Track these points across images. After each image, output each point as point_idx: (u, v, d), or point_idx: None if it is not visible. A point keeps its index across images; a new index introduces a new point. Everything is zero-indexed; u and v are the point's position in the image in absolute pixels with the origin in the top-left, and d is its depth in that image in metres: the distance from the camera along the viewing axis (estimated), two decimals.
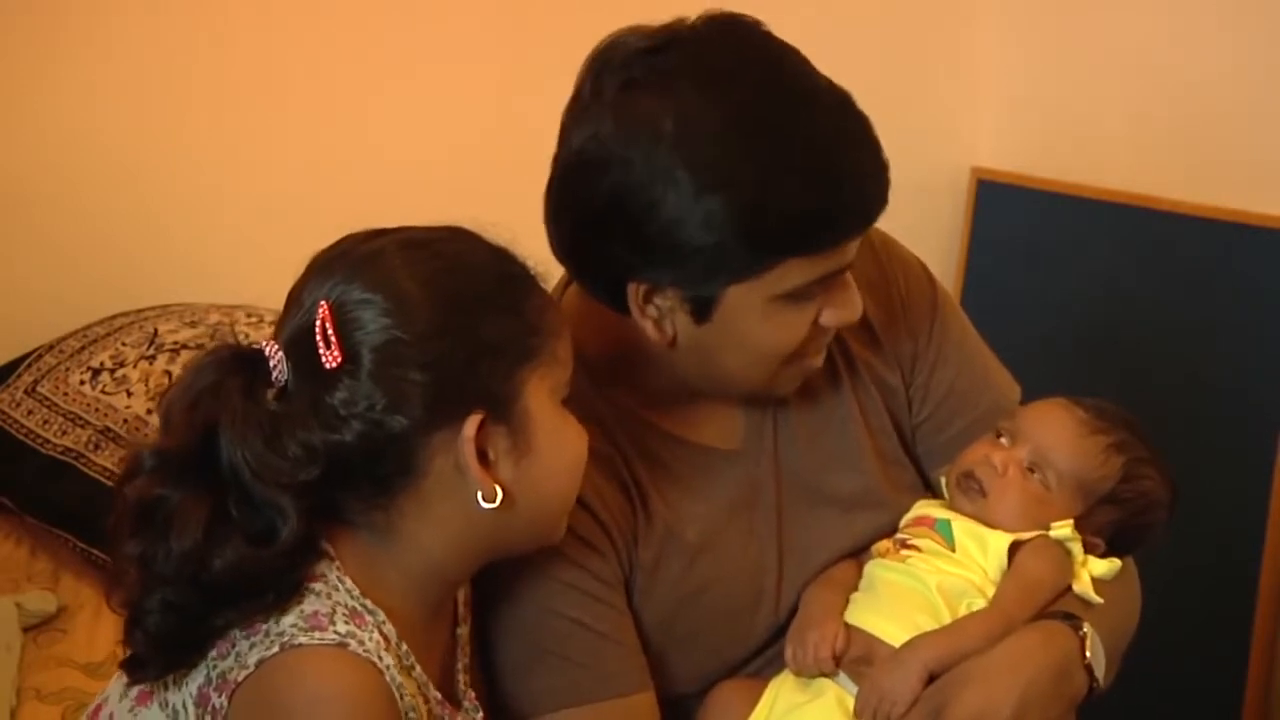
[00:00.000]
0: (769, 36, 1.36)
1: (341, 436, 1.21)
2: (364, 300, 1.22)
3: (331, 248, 1.29)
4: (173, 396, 1.23)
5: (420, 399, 1.22)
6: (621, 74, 1.33)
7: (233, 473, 1.19)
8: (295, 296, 1.26)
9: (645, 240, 1.32)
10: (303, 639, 1.18)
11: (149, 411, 2.18)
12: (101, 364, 2.26)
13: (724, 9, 1.38)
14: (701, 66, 1.32)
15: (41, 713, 1.87)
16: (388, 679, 1.19)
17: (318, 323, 1.22)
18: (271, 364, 1.23)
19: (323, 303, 1.22)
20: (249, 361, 1.23)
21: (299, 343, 1.23)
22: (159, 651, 1.21)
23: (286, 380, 1.23)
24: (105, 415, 2.19)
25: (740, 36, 1.36)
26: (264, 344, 1.24)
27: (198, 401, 1.21)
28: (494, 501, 1.25)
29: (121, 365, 2.25)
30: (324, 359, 1.21)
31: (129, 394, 2.21)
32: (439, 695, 1.29)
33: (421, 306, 1.23)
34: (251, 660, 1.18)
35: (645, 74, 1.32)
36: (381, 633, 1.22)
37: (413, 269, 1.24)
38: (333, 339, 1.21)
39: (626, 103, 1.32)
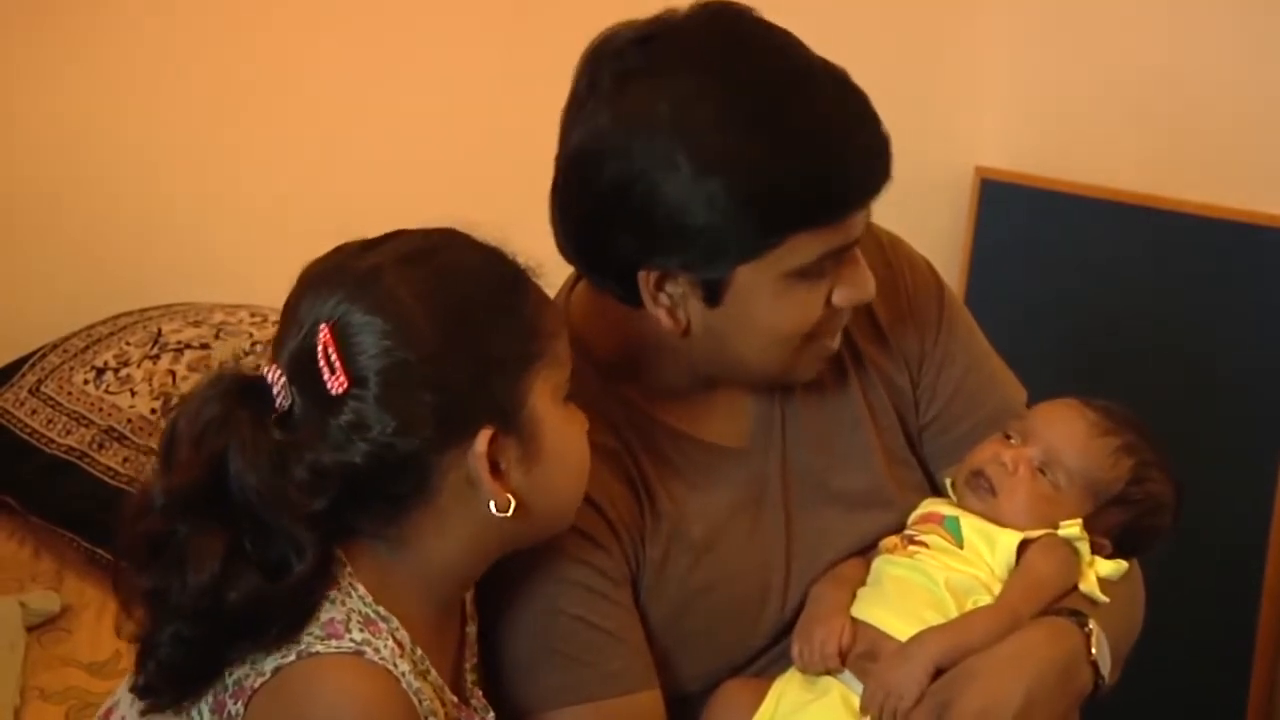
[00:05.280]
0: (760, 20, 1.37)
1: (351, 458, 1.20)
2: (366, 323, 1.21)
3: (324, 261, 1.27)
4: (177, 430, 1.22)
5: (430, 419, 1.21)
6: (615, 66, 1.34)
7: (245, 505, 1.18)
8: (291, 313, 1.25)
9: (651, 226, 1.33)
10: (319, 647, 1.18)
11: (153, 411, 2.18)
12: (105, 363, 2.26)
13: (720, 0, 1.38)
14: (694, 51, 1.33)
15: (45, 712, 1.87)
16: (404, 685, 1.20)
17: (320, 348, 1.20)
18: (275, 390, 1.21)
19: (323, 327, 1.21)
20: (253, 390, 1.22)
21: (301, 364, 1.22)
22: (172, 684, 1.21)
23: (291, 403, 1.22)
24: (109, 415, 2.19)
25: (731, 20, 1.36)
26: (266, 369, 1.23)
27: (204, 436, 1.19)
28: (507, 511, 1.25)
29: (125, 365, 2.25)
30: (329, 385, 1.20)
31: (133, 393, 2.21)
32: (454, 699, 1.30)
33: (424, 326, 1.22)
34: (268, 667, 1.18)
35: (638, 63, 1.33)
36: (395, 639, 1.22)
37: (411, 287, 1.23)
38: (337, 364, 1.20)
39: (622, 93, 1.32)
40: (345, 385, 1.20)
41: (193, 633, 1.18)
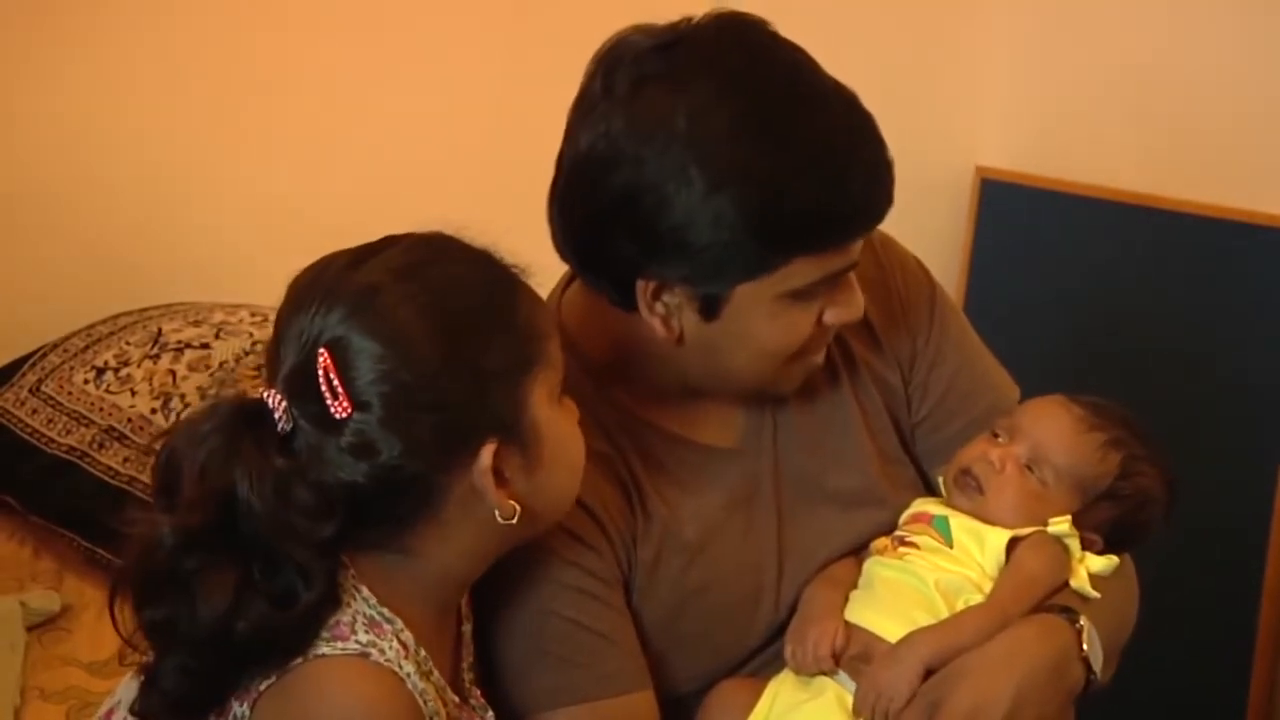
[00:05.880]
0: (776, 36, 1.37)
1: (355, 478, 1.20)
2: (364, 346, 1.20)
3: (313, 274, 1.25)
4: (174, 462, 1.20)
5: (434, 438, 1.21)
6: (632, 71, 1.33)
7: (253, 535, 1.18)
8: (284, 330, 1.23)
9: (656, 237, 1.33)
10: (325, 649, 1.19)
11: (153, 411, 2.18)
12: (105, 363, 2.26)
13: (730, 8, 1.38)
14: (713, 64, 1.33)
15: (46, 712, 1.88)
16: (409, 686, 1.20)
17: (320, 373, 1.19)
18: (276, 415, 1.21)
19: (323, 351, 1.20)
20: (252, 417, 1.20)
21: (299, 386, 1.21)
22: (176, 714, 1.20)
23: (293, 427, 1.21)
24: (109, 414, 2.19)
25: (749, 35, 1.36)
26: (264, 394, 1.22)
27: (208, 470, 1.18)
28: (513, 518, 1.25)
29: (126, 364, 2.25)
30: (332, 410, 1.19)
31: (133, 393, 2.21)
32: (455, 698, 1.30)
33: (424, 346, 1.21)
34: (274, 669, 1.18)
35: (657, 71, 1.32)
36: (400, 640, 1.22)
37: (409, 305, 1.21)
38: (339, 390, 1.19)
39: (638, 100, 1.32)
40: (348, 411, 1.19)
41: (198, 663, 1.18)
